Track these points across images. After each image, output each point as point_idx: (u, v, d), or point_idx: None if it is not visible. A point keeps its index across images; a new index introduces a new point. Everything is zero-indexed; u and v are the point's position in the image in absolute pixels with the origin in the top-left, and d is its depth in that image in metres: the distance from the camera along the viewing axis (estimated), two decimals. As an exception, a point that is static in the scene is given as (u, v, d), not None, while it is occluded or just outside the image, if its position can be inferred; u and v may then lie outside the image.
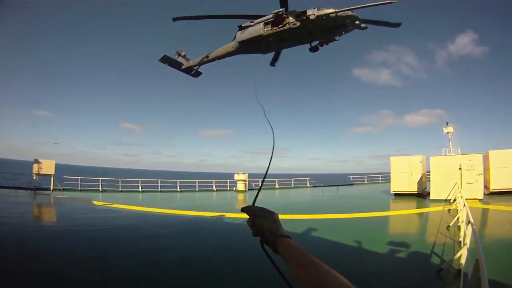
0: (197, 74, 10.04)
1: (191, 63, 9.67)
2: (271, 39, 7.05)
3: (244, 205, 1.03)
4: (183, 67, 9.77)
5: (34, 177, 19.76)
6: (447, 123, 19.22)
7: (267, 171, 1.21)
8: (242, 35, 7.54)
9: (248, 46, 7.68)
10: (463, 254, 4.61)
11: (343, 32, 6.55)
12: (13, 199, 15.21)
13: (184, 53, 9.92)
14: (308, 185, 29.72)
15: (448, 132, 18.81)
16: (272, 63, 8.55)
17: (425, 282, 4.80)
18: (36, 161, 19.85)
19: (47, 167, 20.03)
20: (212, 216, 11.55)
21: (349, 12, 6.12)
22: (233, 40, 7.98)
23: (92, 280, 4.85)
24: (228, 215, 11.61)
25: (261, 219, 0.95)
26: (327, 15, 6.15)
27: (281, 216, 1.00)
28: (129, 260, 5.93)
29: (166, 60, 9.58)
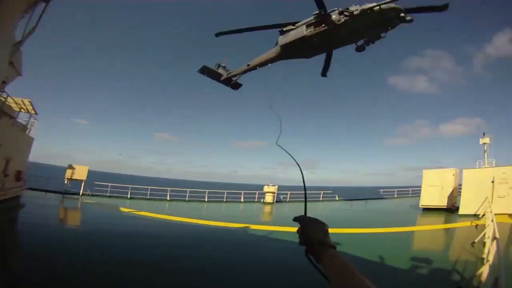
0: (237, 85, 9.81)
1: (231, 73, 9.49)
2: (315, 40, 6.81)
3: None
4: (222, 78, 9.61)
5: (66, 182, 20.68)
6: (484, 133, 18.24)
7: (304, 184, 1.28)
8: (284, 39, 7.32)
9: (291, 50, 7.46)
10: (484, 272, 4.51)
11: (389, 28, 6.22)
12: (41, 201, 16.05)
13: (224, 65, 9.76)
14: (337, 198, 29.43)
15: (484, 143, 17.85)
16: (323, 73, 8.07)
17: None
18: (70, 167, 20.92)
19: (80, 172, 20.96)
20: (234, 227, 11.69)
21: (393, 4, 5.82)
22: (274, 46, 7.84)
23: (100, 284, 5.04)
24: (253, 226, 11.65)
25: (310, 228, 0.96)
26: (371, 9, 5.90)
27: None
28: (142, 267, 6.04)
29: (205, 71, 9.45)
